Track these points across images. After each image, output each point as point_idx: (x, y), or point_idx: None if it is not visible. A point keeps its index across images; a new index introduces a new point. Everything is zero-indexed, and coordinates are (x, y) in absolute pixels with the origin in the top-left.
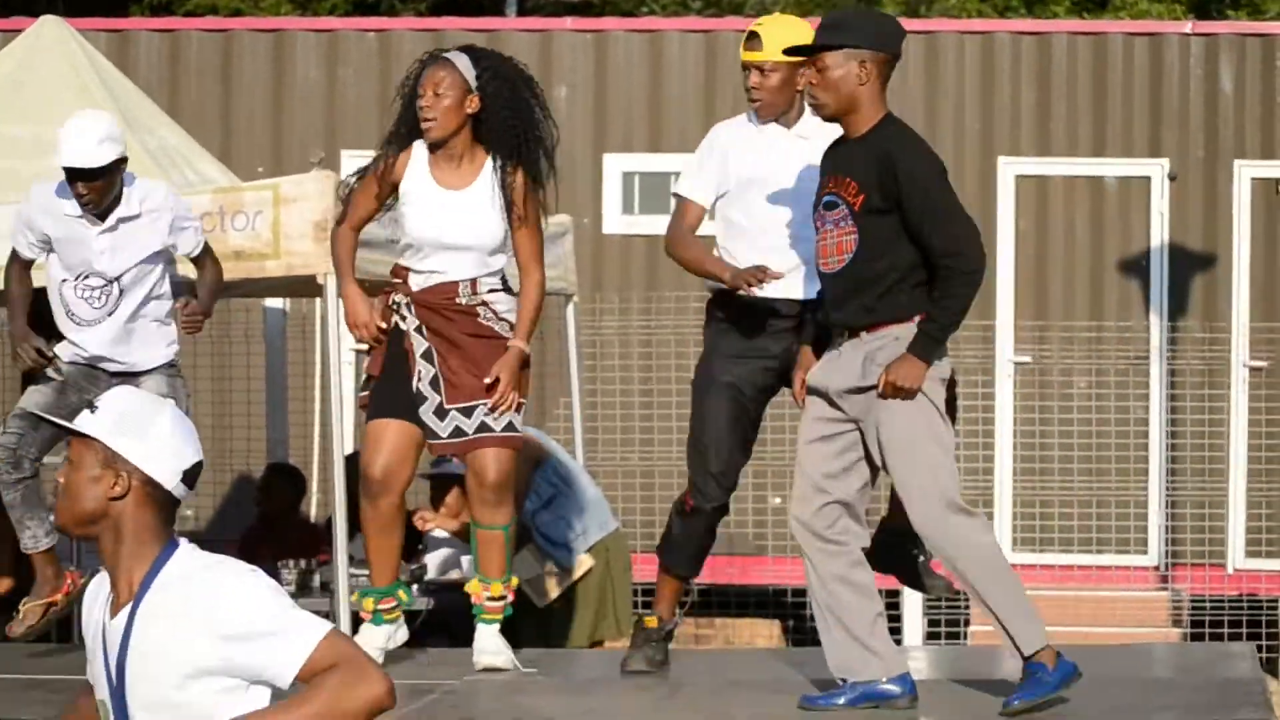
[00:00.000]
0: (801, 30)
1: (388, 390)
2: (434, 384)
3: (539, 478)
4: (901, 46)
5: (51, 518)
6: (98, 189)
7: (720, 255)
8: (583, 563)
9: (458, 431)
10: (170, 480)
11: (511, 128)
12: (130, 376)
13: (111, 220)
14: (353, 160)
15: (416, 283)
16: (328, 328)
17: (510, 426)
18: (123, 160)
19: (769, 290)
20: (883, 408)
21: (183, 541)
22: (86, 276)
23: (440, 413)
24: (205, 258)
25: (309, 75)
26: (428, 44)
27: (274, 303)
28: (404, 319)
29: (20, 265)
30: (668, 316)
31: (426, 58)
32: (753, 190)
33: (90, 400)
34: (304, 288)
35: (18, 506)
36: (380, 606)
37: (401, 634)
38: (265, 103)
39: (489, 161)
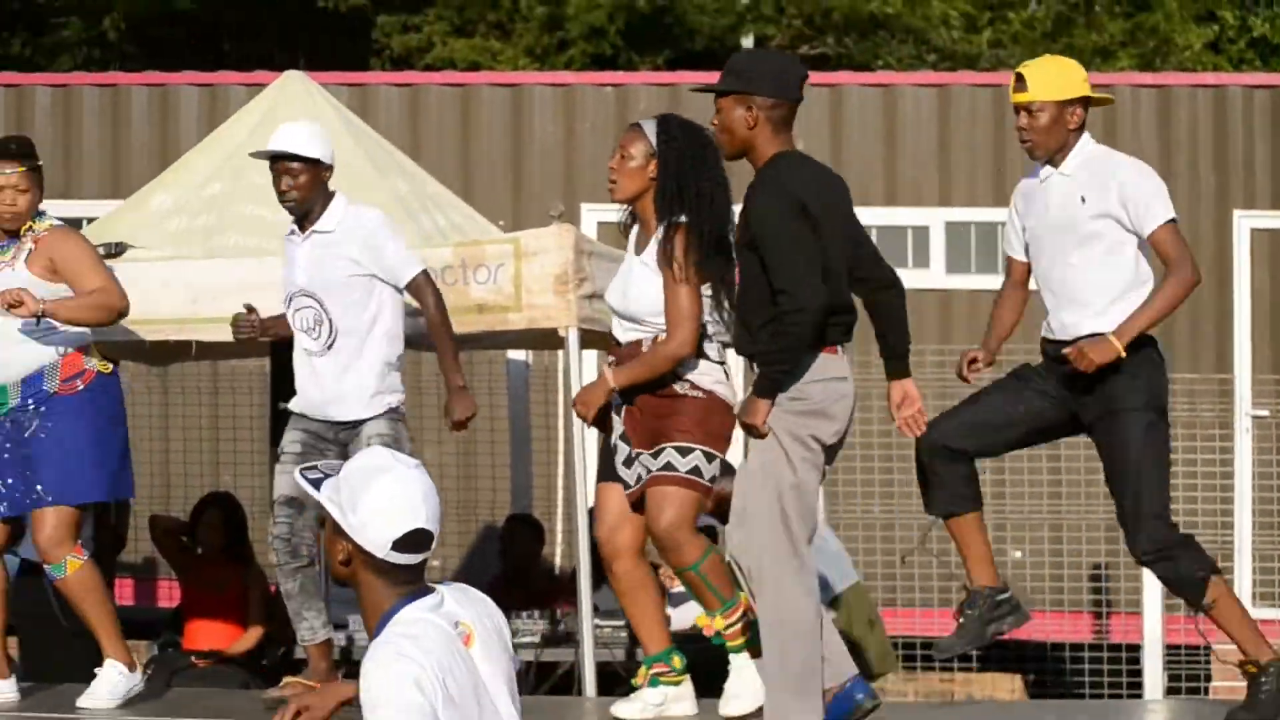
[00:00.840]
0: (1066, 70)
1: (605, 453)
2: (623, 436)
3: None
4: (797, 90)
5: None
6: (301, 186)
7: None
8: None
9: (639, 479)
10: (380, 550)
11: (677, 190)
12: (353, 426)
13: (309, 234)
14: (591, 214)
15: (618, 338)
16: (569, 380)
17: (696, 470)
18: (326, 167)
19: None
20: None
21: (418, 601)
22: (295, 298)
23: (628, 462)
24: (423, 291)
25: (547, 129)
26: (664, 99)
27: (516, 355)
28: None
29: None
30: (915, 371)
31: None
32: (1037, 242)
33: (325, 463)
34: (545, 340)
35: (295, 597)
36: (655, 671)
37: (683, 692)
38: (504, 156)
39: (663, 226)
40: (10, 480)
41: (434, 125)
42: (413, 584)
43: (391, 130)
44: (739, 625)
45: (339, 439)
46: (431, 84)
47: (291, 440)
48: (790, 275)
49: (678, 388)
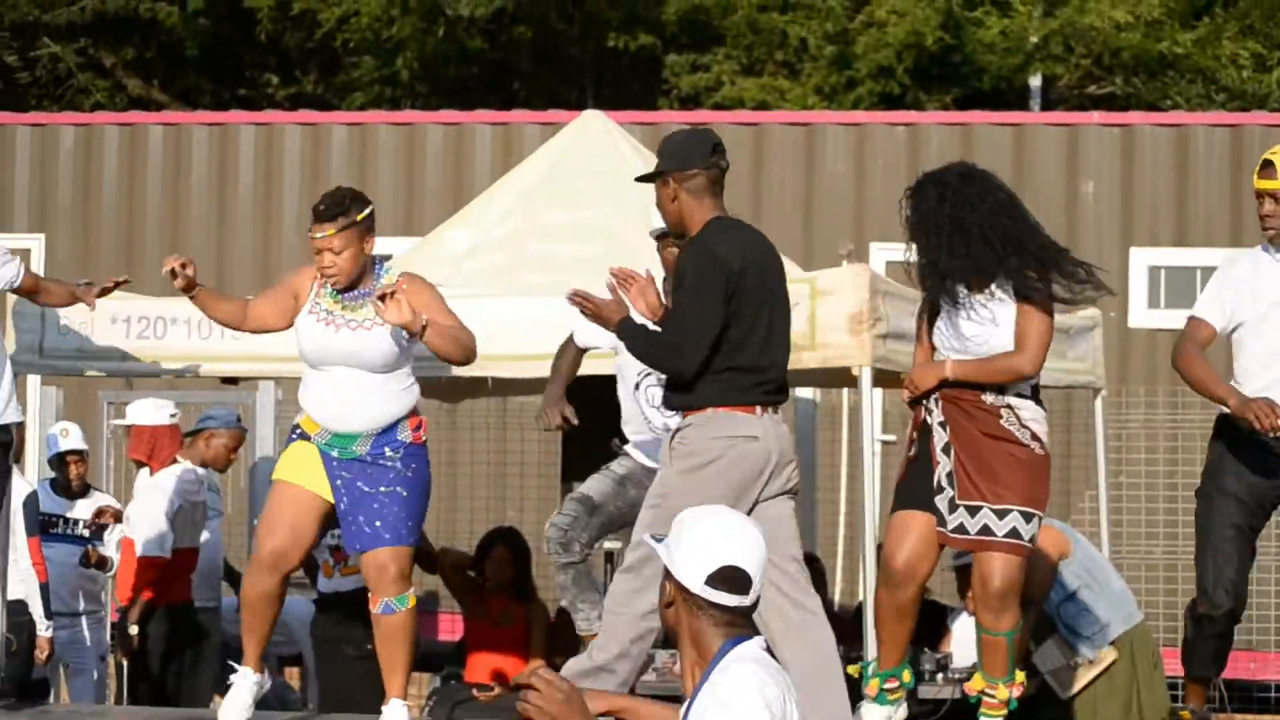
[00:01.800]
0: None
1: (914, 482)
2: (949, 478)
3: (1064, 570)
4: (704, 159)
5: (599, 602)
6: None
7: (1235, 380)
8: (1106, 655)
9: (961, 529)
10: (694, 585)
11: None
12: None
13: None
14: (880, 252)
15: (959, 371)
16: (860, 418)
17: (1014, 533)
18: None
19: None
20: None
21: (751, 641)
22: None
23: (950, 506)
24: None
25: (838, 168)
26: (956, 139)
27: (805, 393)
28: (930, 412)
29: (575, 348)
30: (1194, 411)
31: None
32: (1266, 320)
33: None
34: (836, 379)
35: (569, 589)
36: (885, 686)
37: (901, 714)
38: (795, 194)
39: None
40: (361, 518)
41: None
42: (738, 628)
43: None
44: (1010, 699)
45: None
46: (724, 122)
47: (621, 463)
48: (678, 339)
49: (1019, 434)
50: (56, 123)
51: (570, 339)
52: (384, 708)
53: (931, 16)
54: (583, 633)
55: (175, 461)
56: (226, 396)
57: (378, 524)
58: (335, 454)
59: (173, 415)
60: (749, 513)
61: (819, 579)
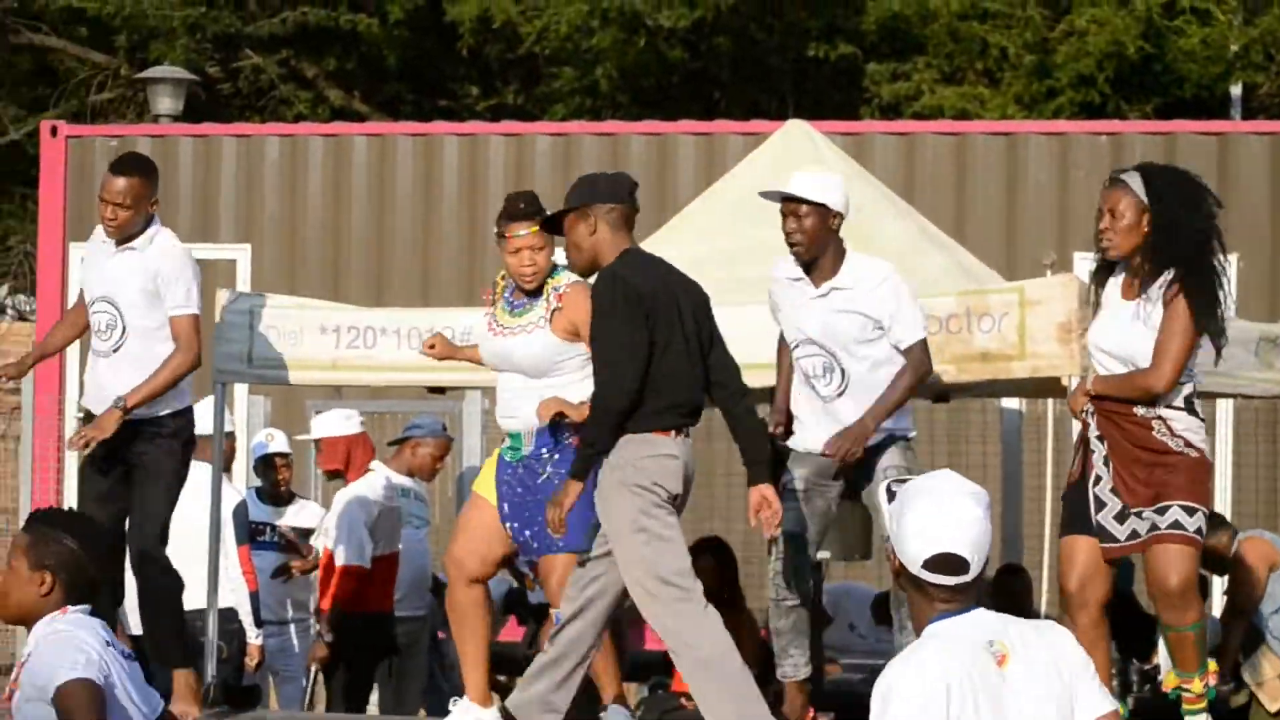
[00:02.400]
0: None
1: (1075, 503)
2: (1113, 491)
3: (1274, 582)
4: (626, 196)
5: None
6: (806, 230)
7: None
8: None
9: (1134, 534)
10: (913, 566)
11: (1176, 244)
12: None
13: (824, 288)
14: (1084, 262)
15: (1100, 387)
16: (1065, 429)
17: (1178, 525)
18: (834, 214)
19: None
20: None
21: (956, 618)
22: (802, 344)
23: (1120, 516)
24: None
25: (1040, 177)
26: (1159, 148)
27: (1010, 403)
28: (1088, 426)
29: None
30: None
31: (1106, 183)
32: None
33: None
34: (1043, 388)
35: (785, 633)
36: None
37: None
38: (998, 203)
39: (1163, 275)
40: (516, 525)
41: (929, 172)
42: (953, 603)
43: (887, 177)
44: (1206, 691)
45: (844, 474)
46: (926, 131)
47: (794, 478)
48: (608, 367)
49: (1172, 444)
50: (262, 134)
51: (781, 338)
52: (602, 713)
53: (1132, 25)
54: (785, 678)
55: (369, 470)
56: (433, 405)
57: (537, 530)
58: (509, 456)
59: (361, 423)
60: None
61: (1024, 592)
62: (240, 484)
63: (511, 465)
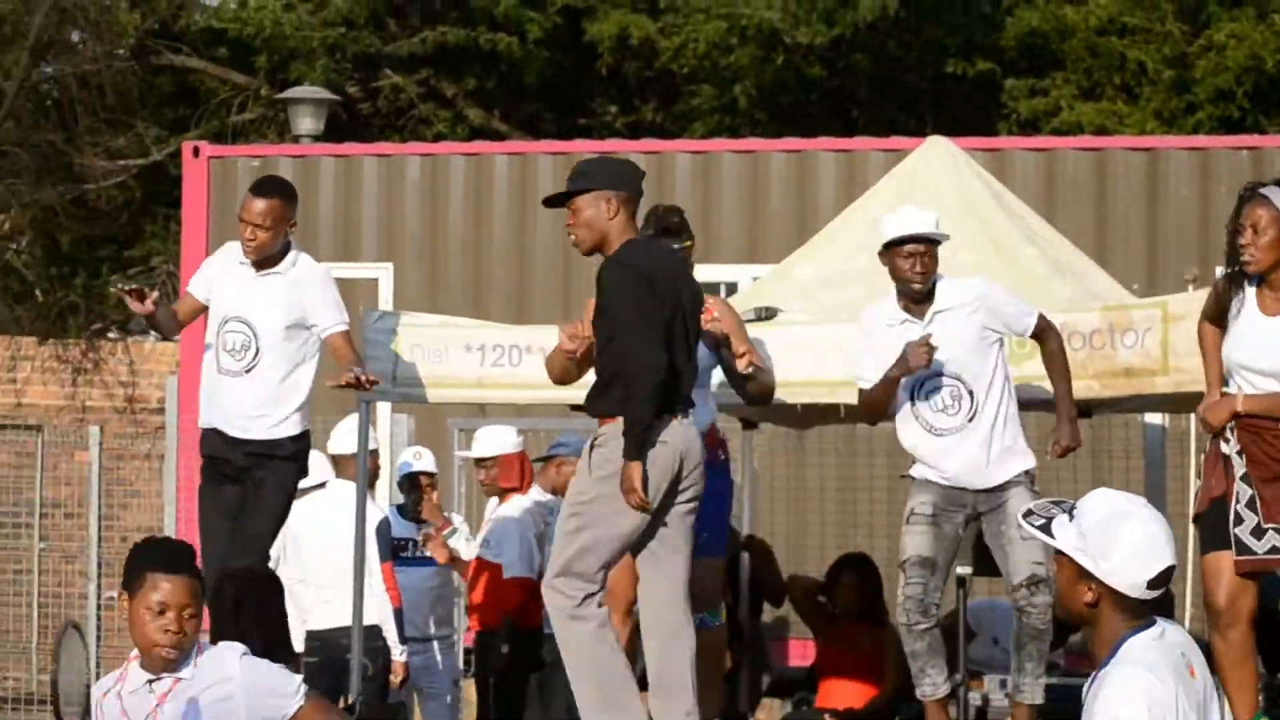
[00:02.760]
0: None
1: (1214, 519)
2: (1250, 504)
3: None
4: (639, 187)
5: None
6: (930, 268)
7: None
8: None
9: (1274, 550)
10: (1136, 590)
11: None
12: (992, 491)
13: (928, 316)
14: None
15: (1250, 406)
16: (1206, 443)
17: None
18: (935, 242)
19: None
20: None
21: (1144, 632)
22: (940, 376)
23: (1258, 532)
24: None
25: (1181, 192)
26: None
27: (1153, 418)
28: (1227, 441)
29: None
30: None
31: (1246, 191)
32: None
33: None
34: (1187, 403)
35: (921, 655)
36: None
37: None
38: (1139, 219)
39: None
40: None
41: (1069, 188)
42: (1141, 615)
43: (1027, 194)
44: None
45: (973, 504)
46: (1067, 147)
47: (922, 502)
48: (633, 346)
49: None
50: (402, 153)
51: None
52: None
53: (1271, 40)
54: (925, 697)
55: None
56: (576, 424)
57: (704, 535)
58: None
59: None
60: (660, 511)
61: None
62: (384, 502)
63: None
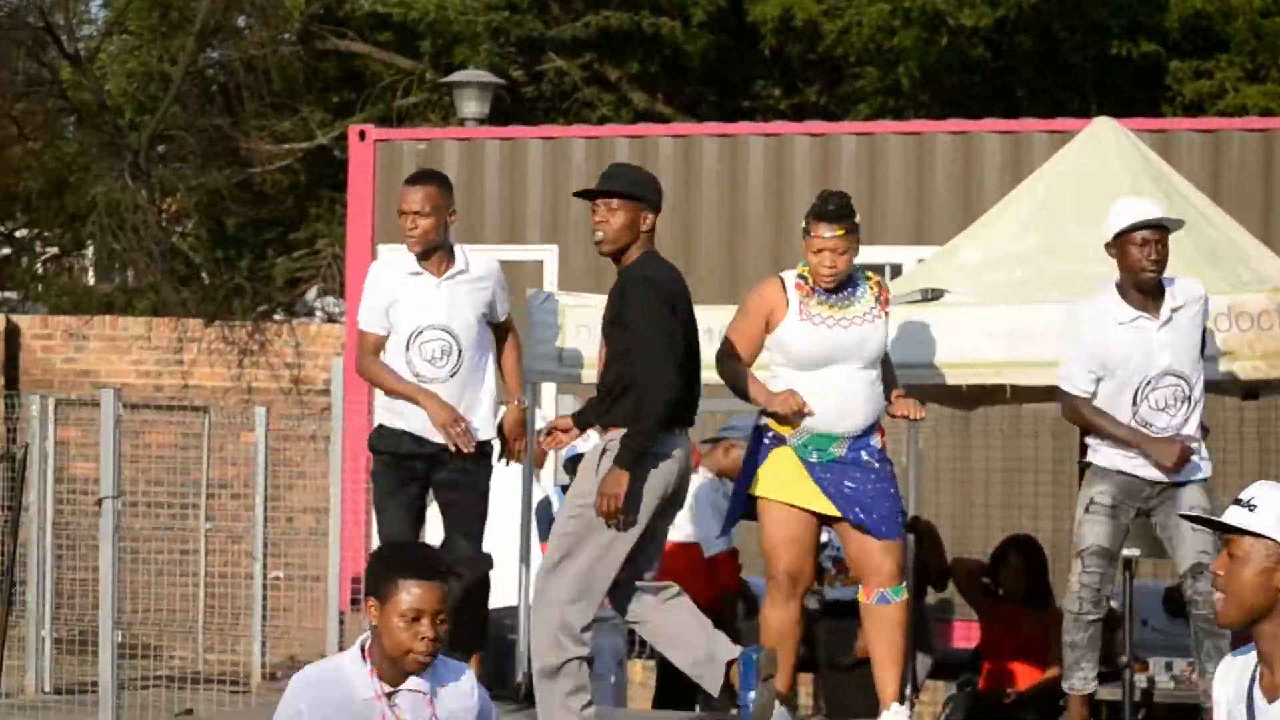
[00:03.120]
0: None
1: None
2: None
3: None
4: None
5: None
6: (1164, 257)
7: None
8: None
9: None
10: None
11: None
12: (1169, 487)
13: (1165, 314)
14: None
15: None
16: None
17: None
18: (1167, 230)
19: None
20: None
21: None
22: (1155, 380)
23: None
24: None
25: None
26: None
27: None
28: None
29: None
30: None
31: None
32: None
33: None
34: None
35: (1080, 647)
36: None
37: None
38: None
39: None
40: (855, 511)
41: (1236, 169)
42: None
43: (1193, 175)
44: None
45: (1145, 498)
46: (1232, 129)
47: (1102, 492)
48: (651, 361)
49: None
50: (568, 135)
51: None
52: (883, 712)
53: None
54: (1074, 690)
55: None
56: (746, 405)
57: (875, 517)
58: (814, 458)
59: None
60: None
61: None
62: (549, 483)
63: (824, 465)
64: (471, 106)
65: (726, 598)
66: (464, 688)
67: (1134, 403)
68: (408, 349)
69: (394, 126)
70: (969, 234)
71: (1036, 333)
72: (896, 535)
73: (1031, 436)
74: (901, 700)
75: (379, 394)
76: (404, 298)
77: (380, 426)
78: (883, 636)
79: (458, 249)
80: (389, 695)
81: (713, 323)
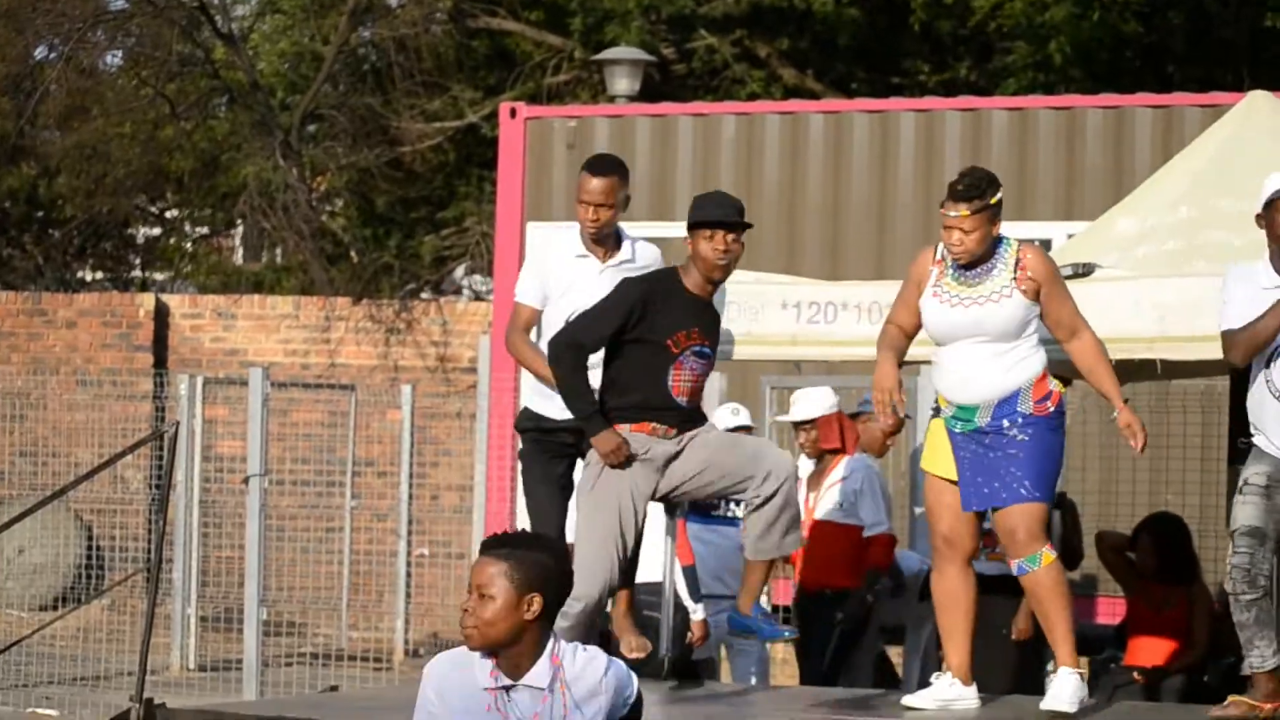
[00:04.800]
0: None
1: None
2: None
3: None
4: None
5: (1275, 638)
6: None
7: None
8: None
9: None
10: None
11: None
12: None
13: None
14: None
15: None
16: None
17: None
18: None
19: None
20: None
21: None
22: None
23: None
24: None
25: None
26: None
27: None
28: None
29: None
30: None
31: None
32: None
33: None
34: None
35: (1249, 626)
36: None
37: None
38: None
39: None
40: (980, 480)
41: None
42: None
43: None
44: None
45: None
46: None
47: (1256, 473)
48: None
49: None
50: (718, 112)
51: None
52: (1052, 676)
53: None
54: (1253, 669)
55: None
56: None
57: (995, 485)
58: (958, 429)
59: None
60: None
61: None
62: None
63: (966, 436)
64: (622, 84)
65: (867, 575)
66: (593, 673)
67: (1268, 366)
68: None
69: (544, 105)
70: (1121, 207)
71: (1187, 307)
72: (1022, 500)
73: (1180, 412)
74: (1075, 665)
75: (528, 376)
76: (566, 279)
77: (526, 409)
78: (1036, 606)
79: (625, 237)
80: (507, 689)
81: (862, 299)
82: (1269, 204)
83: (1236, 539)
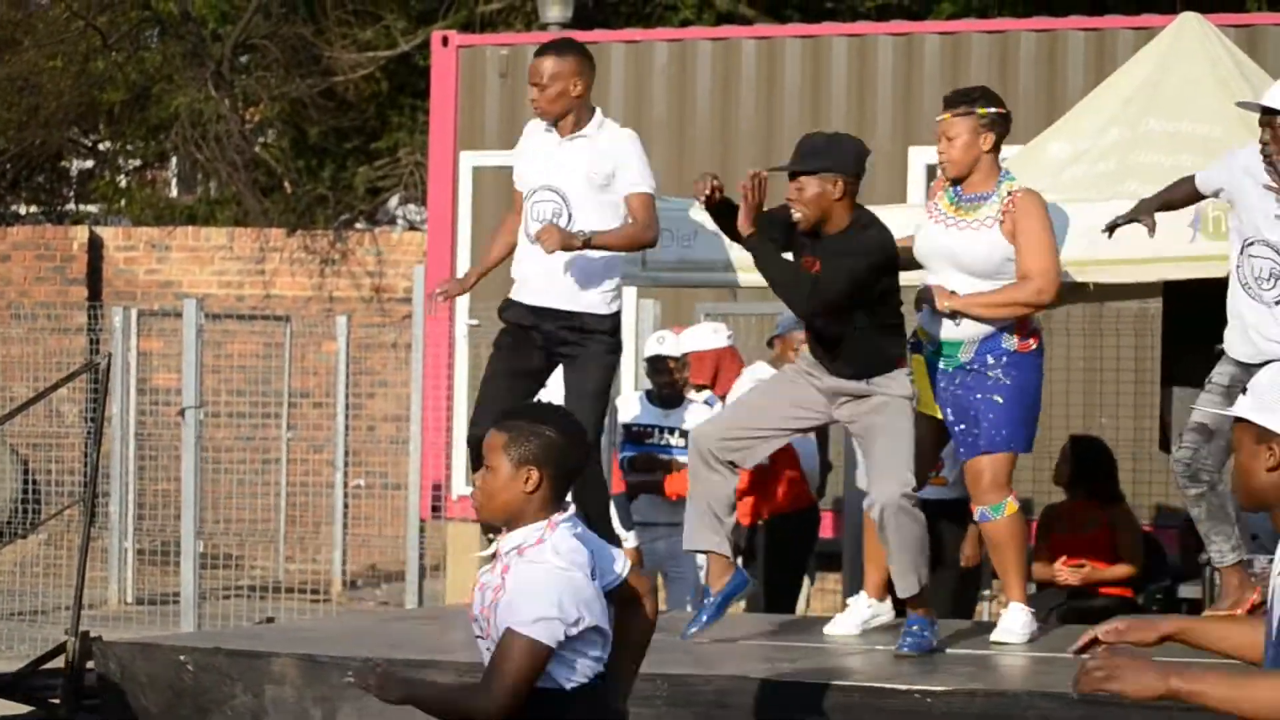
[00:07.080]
0: None
1: None
2: None
3: None
4: (865, 165)
5: (1237, 531)
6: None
7: None
8: None
9: None
10: None
11: None
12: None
13: None
14: None
15: None
16: None
17: None
18: None
19: None
20: None
21: None
22: (1257, 245)
23: None
24: None
25: None
26: None
27: None
28: None
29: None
30: None
31: None
32: None
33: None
34: None
35: (1203, 521)
36: None
37: None
38: None
39: None
40: (962, 427)
41: None
42: None
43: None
44: None
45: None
46: None
47: (1220, 373)
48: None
49: None
50: (650, 39)
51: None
52: (1003, 610)
53: None
54: (1215, 564)
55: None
56: None
57: (976, 432)
58: (941, 364)
59: (729, 336)
60: None
61: None
62: (628, 387)
63: (949, 373)
64: (554, 11)
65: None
66: (535, 571)
67: (1240, 252)
68: (528, 207)
69: (477, 33)
70: (1052, 130)
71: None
72: (996, 449)
73: (1114, 335)
74: (1024, 601)
75: (518, 268)
76: (532, 156)
77: (506, 299)
78: (992, 550)
79: (600, 117)
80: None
81: None
82: (1267, 112)
83: (1185, 434)
